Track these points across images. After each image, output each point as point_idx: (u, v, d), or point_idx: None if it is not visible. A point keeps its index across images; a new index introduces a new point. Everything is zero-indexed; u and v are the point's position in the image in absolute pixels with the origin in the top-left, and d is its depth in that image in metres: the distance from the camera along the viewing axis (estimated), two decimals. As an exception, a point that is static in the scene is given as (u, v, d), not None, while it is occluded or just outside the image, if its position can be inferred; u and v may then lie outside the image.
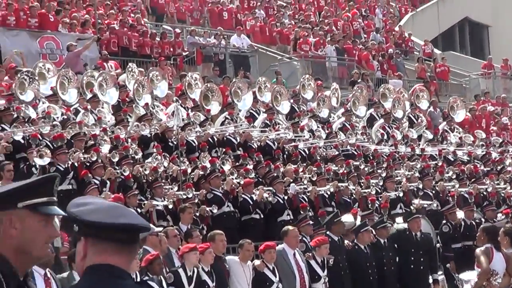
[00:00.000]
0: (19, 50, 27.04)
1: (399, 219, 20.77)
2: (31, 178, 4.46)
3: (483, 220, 21.79)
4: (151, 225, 16.69)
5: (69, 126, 20.95)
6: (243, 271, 16.12)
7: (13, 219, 4.07)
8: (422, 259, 19.35)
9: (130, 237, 4.08)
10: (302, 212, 20.00)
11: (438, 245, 20.77)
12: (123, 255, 4.06)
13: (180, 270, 15.00)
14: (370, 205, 21.55)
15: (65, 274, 14.11)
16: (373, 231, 19.04)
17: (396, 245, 19.36)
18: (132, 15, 34.37)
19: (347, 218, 19.75)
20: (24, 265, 4.18)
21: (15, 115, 20.95)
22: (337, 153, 24.42)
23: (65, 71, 24.16)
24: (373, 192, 22.53)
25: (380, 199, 22.26)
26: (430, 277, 19.52)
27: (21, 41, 28.47)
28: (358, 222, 19.66)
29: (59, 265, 14.67)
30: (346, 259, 18.26)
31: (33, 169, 19.10)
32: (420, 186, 23.73)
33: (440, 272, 20.42)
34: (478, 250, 13.96)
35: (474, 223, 20.82)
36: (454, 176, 25.32)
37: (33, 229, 4.12)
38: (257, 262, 16.40)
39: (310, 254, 17.23)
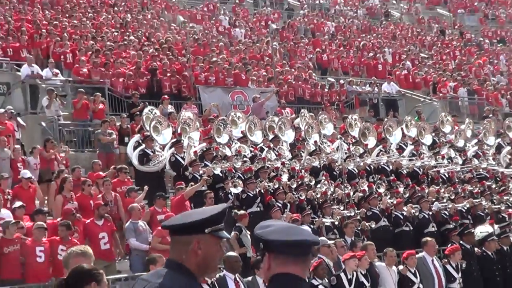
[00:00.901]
0: (215, 103, 27.70)
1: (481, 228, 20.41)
2: (211, 207, 4.51)
3: None
4: (324, 238, 17.00)
5: (256, 161, 21.23)
6: (390, 274, 16.26)
7: (200, 242, 4.26)
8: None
9: (303, 250, 4.24)
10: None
11: None
12: (299, 265, 4.21)
13: (342, 274, 15.21)
14: (507, 218, 21.28)
15: (250, 278, 14.45)
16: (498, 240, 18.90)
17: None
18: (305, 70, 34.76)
19: (483, 228, 19.62)
20: (201, 277, 4.43)
21: (214, 154, 21.36)
22: (472, 175, 24.20)
23: (252, 117, 24.48)
24: (503, 208, 22.26)
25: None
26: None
27: (216, 96, 29.13)
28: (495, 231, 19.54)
29: (245, 271, 14.90)
30: (476, 263, 18.20)
31: (229, 196, 19.54)
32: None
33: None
34: None
35: None
36: None
37: (213, 250, 4.33)
38: (401, 267, 16.50)
39: (446, 260, 17.26)
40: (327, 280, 14.68)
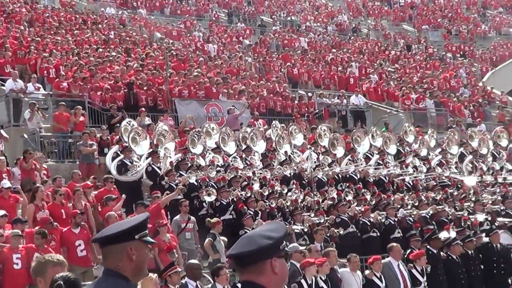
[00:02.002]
0: (191, 115, 27.60)
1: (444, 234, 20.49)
2: (140, 216, 4.66)
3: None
4: (295, 244, 16.95)
5: (229, 171, 21.15)
6: (354, 279, 16.23)
7: (133, 248, 4.40)
8: (502, 266, 19.09)
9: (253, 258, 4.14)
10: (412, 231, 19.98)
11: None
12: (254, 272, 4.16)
13: (302, 280, 15.11)
14: (462, 223, 21.32)
15: (209, 285, 14.39)
16: (462, 244, 18.93)
17: (481, 255, 19.15)
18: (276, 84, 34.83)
19: (444, 234, 19.67)
20: (136, 281, 4.51)
21: (190, 164, 21.29)
22: (435, 183, 24.20)
23: (225, 129, 24.40)
24: (465, 214, 22.28)
25: (471, 218, 21.98)
26: (509, 279, 19.21)
27: (192, 108, 29.05)
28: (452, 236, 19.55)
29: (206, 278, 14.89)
30: (442, 267, 18.21)
31: (203, 204, 19.55)
32: (503, 208, 23.33)
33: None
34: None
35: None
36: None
37: (144, 255, 4.48)
38: (367, 271, 16.46)
39: (411, 264, 17.25)
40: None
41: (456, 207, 22.66)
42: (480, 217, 22.07)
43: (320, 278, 15.40)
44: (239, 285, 4.32)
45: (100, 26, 38.89)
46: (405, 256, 17.80)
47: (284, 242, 4.18)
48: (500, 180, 25.88)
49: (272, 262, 4.08)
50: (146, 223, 4.55)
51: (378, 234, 20.36)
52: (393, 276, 16.71)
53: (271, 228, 4.24)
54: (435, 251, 18.32)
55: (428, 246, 18.40)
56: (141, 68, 31.04)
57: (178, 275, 13.45)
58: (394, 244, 17.52)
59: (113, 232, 4.46)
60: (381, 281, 16.38)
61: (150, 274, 12.22)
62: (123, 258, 4.38)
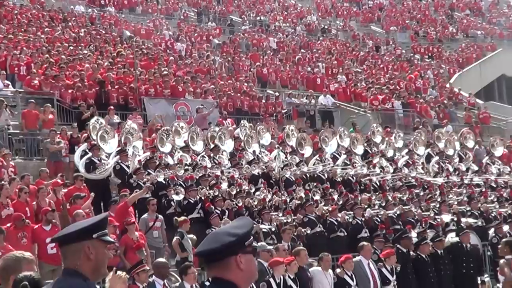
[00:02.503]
0: (160, 113, 27.55)
1: (452, 235, 20.64)
2: (99, 216, 4.73)
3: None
4: (263, 243, 16.95)
5: (197, 170, 21.16)
6: (325, 278, 16.27)
7: (91, 247, 4.41)
8: (471, 265, 19.23)
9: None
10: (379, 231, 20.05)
11: (489, 253, 20.51)
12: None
13: (271, 279, 15.13)
14: (423, 224, 21.40)
15: (177, 284, 14.38)
16: (431, 243, 19.04)
17: (450, 255, 19.27)
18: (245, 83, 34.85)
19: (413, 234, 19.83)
20: (95, 280, 4.53)
21: (158, 163, 21.27)
22: (401, 184, 24.32)
23: (194, 128, 24.46)
24: (432, 214, 22.39)
25: (437, 219, 22.11)
26: (478, 278, 19.37)
27: (161, 107, 28.99)
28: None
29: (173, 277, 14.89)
30: (412, 266, 18.31)
31: (171, 202, 19.54)
32: (468, 208, 23.49)
33: (486, 275, 20.22)
34: (501, 261, 13.73)
35: (515, 235, 20.48)
36: (495, 199, 24.98)
37: (102, 254, 4.48)
38: (338, 270, 16.52)
39: (382, 263, 17.35)
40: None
41: (422, 207, 22.76)
42: (446, 217, 22.20)
43: (289, 277, 15.42)
44: (207, 283, 4.34)
45: (70, 24, 38.63)
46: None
47: (251, 238, 4.19)
48: (466, 181, 26.06)
49: (237, 259, 4.10)
50: (105, 223, 4.56)
51: (345, 233, 20.40)
52: (364, 275, 16.83)
53: (236, 225, 4.30)
54: (405, 251, 18.44)
55: (398, 246, 18.51)
56: (111, 67, 30.86)
57: (146, 273, 13.43)
58: (365, 243, 17.62)
59: (70, 231, 4.48)
60: (352, 280, 16.48)
61: (119, 272, 12.17)
62: (81, 257, 4.39)
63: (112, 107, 26.36)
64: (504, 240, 15.42)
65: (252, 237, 4.24)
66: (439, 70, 49.38)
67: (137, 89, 29.03)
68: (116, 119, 25.65)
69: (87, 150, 21.54)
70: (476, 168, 27.91)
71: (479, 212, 23.37)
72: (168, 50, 39.09)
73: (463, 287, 19.20)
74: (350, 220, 20.63)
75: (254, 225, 4.42)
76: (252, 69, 39.51)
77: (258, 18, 54.03)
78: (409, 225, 20.52)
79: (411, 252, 18.68)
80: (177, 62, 35.92)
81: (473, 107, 41.43)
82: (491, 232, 21.78)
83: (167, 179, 20.37)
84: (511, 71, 55.01)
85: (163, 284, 13.74)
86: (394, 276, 17.44)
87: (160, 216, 18.36)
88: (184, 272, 14.18)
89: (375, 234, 19.53)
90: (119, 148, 21.58)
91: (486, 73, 52.67)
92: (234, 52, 42.38)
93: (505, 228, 21.50)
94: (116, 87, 28.63)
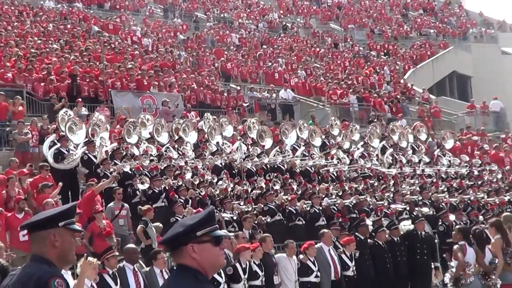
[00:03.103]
0: (126, 106, 27.40)
1: (406, 222, 20.75)
2: (67, 205, 4.73)
3: (468, 221, 21.76)
4: (225, 231, 16.92)
5: (162, 160, 21.10)
6: (290, 264, 16.33)
7: (56, 235, 4.41)
8: (425, 251, 19.35)
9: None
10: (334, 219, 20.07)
11: (436, 241, 20.67)
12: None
13: (237, 264, 15.16)
14: (378, 213, 21.49)
15: (147, 269, 14.36)
16: (388, 231, 19.15)
17: (406, 242, 19.40)
18: (207, 77, 34.80)
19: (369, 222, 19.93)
20: (62, 267, 4.55)
21: (124, 153, 21.14)
22: (357, 174, 24.42)
23: (159, 120, 24.38)
24: (386, 203, 22.49)
25: (391, 208, 22.21)
26: (432, 264, 19.52)
27: (128, 99, 28.83)
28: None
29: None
30: (369, 252, 18.42)
31: (137, 192, 19.44)
32: (420, 198, 23.64)
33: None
34: (455, 247, 13.94)
35: (462, 223, 20.60)
36: (445, 189, 25.18)
37: (68, 242, 4.49)
38: (301, 256, 16.59)
39: (341, 250, 17.44)
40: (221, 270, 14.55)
41: (377, 197, 22.87)
42: (399, 207, 22.33)
43: (254, 263, 15.45)
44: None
45: (38, 18, 38.29)
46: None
47: (206, 228, 4.20)
48: (418, 172, 26.23)
49: (188, 248, 4.13)
50: (72, 212, 4.55)
51: (303, 222, 20.40)
52: (325, 261, 16.94)
53: (192, 216, 4.40)
54: (362, 238, 18.54)
55: (356, 233, 18.62)
56: (78, 60, 30.60)
57: (115, 258, 13.39)
58: (326, 230, 17.73)
59: (38, 219, 4.49)
60: (315, 266, 16.60)
61: (90, 258, 12.15)
62: (47, 244, 4.38)
63: (80, 99, 26.30)
64: (457, 227, 15.72)
65: (210, 227, 4.23)
66: (395, 66, 49.67)
67: (104, 82, 28.87)
68: (84, 111, 25.62)
69: (55, 141, 21.36)
70: (428, 160, 28.09)
71: (430, 201, 23.47)
72: (135, 45, 38.87)
73: (418, 273, 19.30)
74: (308, 209, 20.63)
75: (210, 215, 4.37)
76: (216, 64, 39.44)
77: (222, 15, 53.94)
78: (363, 214, 20.61)
79: (369, 239, 18.76)
80: (142, 56, 35.74)
81: (426, 102, 41.71)
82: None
83: (133, 169, 20.24)
84: (462, 68, 55.60)
85: (133, 269, 13.69)
86: (353, 262, 17.56)
87: (126, 205, 18.27)
88: (153, 257, 14.20)
89: (331, 222, 19.54)
90: (87, 139, 21.43)
91: (438, 69, 53.14)
92: (198, 47, 42.28)
93: (451, 217, 21.63)
94: (87, 80, 28.57)
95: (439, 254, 20.08)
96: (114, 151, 21.35)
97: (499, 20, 65.49)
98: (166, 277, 13.90)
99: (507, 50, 61.29)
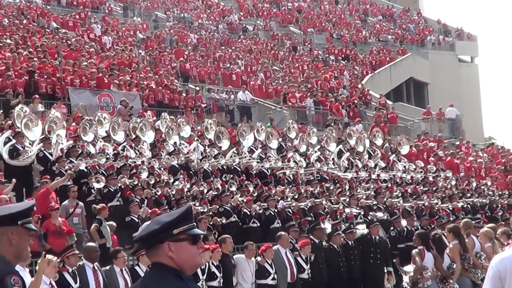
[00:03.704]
0: (83, 104, 27.27)
1: (362, 226, 20.89)
2: (26, 203, 4.83)
3: (419, 227, 21.97)
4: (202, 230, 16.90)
5: (118, 159, 21.06)
6: (248, 265, 16.39)
7: (14, 233, 4.42)
8: (379, 256, 19.49)
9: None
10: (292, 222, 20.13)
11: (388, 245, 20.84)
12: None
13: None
14: (338, 216, 21.63)
15: (108, 267, 14.33)
16: (343, 235, 19.28)
17: (360, 246, 19.54)
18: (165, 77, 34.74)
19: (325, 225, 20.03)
20: (16, 264, 4.56)
21: (80, 151, 21.04)
22: (313, 178, 24.55)
23: (116, 118, 24.32)
24: (341, 207, 22.62)
25: (346, 212, 22.33)
26: (385, 268, 19.69)
27: (85, 97, 28.69)
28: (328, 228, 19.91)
29: (105, 260, 14.82)
30: (324, 256, 18.52)
31: (92, 190, 19.37)
32: (375, 202, 23.82)
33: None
34: (413, 251, 14.16)
35: (413, 229, 20.75)
36: (400, 194, 25.39)
37: (24, 240, 4.50)
38: (259, 258, 16.64)
39: (297, 252, 17.53)
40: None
41: (332, 200, 23.01)
42: (354, 211, 22.49)
43: (213, 264, 15.51)
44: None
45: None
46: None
47: (183, 226, 4.14)
48: (373, 176, 26.46)
49: (165, 246, 4.09)
50: (30, 211, 4.56)
51: (258, 224, 20.45)
52: (282, 263, 16.96)
53: (168, 214, 4.31)
54: (317, 241, 18.63)
55: (311, 236, 18.71)
56: (32, 56, 30.34)
57: (76, 257, 13.37)
58: (283, 233, 17.74)
59: None
60: (272, 268, 16.64)
61: (49, 256, 12.06)
62: (4, 242, 4.40)
63: (36, 96, 26.08)
64: (416, 232, 15.78)
65: (187, 225, 4.17)
66: (353, 71, 50.01)
67: (62, 79, 28.69)
68: (41, 107, 25.38)
69: (11, 137, 21.16)
70: (383, 164, 28.33)
71: (384, 206, 23.67)
72: (93, 43, 38.61)
73: (371, 277, 19.46)
74: (261, 211, 20.65)
75: (188, 212, 4.36)
76: (175, 64, 39.38)
77: (182, 15, 53.87)
78: (322, 217, 20.72)
79: (324, 243, 18.87)
80: (99, 54, 35.54)
81: (383, 107, 42.07)
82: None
83: (89, 168, 20.14)
84: (419, 75, 56.23)
85: (92, 267, 13.67)
86: (309, 265, 17.65)
87: (81, 203, 18.18)
88: (114, 256, 14.17)
89: (289, 224, 19.62)
90: (43, 136, 21.30)
91: (396, 75, 53.67)
92: (158, 46, 42.18)
93: (403, 222, 21.82)
94: (45, 77, 28.39)
95: (390, 258, 20.29)
96: (70, 148, 21.26)
97: (457, 27, 66.19)
98: (126, 276, 13.97)
99: (464, 58, 62.22)
